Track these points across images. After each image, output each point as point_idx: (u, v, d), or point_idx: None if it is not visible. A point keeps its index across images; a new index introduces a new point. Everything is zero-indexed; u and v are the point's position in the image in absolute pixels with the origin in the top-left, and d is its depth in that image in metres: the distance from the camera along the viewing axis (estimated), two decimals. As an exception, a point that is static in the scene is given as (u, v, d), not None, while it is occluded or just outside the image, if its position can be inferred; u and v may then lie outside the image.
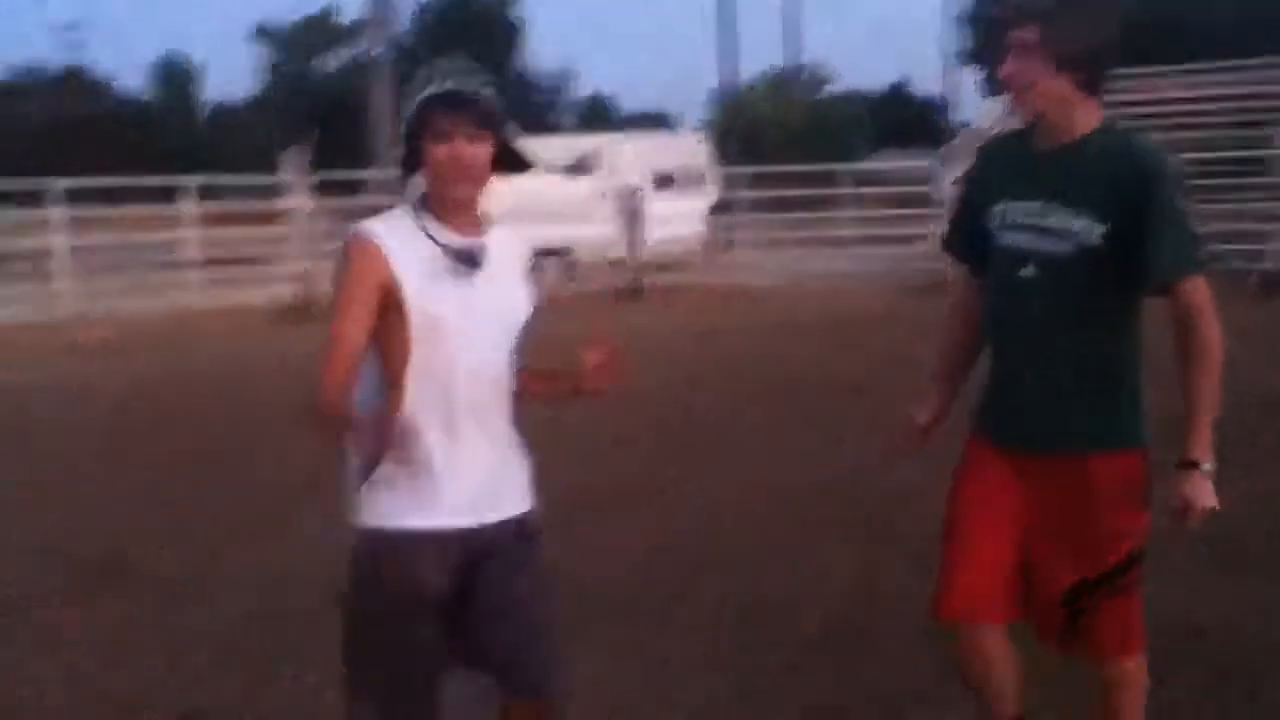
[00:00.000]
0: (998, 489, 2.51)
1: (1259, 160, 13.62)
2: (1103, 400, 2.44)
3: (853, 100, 52.68)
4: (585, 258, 17.02)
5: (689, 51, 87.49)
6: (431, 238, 2.24)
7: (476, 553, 2.24)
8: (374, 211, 2.36)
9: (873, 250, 15.80)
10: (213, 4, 76.60)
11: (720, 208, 17.85)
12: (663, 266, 14.61)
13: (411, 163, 2.26)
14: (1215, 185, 12.71)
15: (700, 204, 17.75)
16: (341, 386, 2.09)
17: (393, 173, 14.22)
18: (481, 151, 2.23)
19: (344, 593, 2.28)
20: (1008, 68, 2.37)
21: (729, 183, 18.53)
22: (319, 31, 50.96)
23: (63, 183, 12.77)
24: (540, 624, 2.26)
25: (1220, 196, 12.83)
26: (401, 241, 2.22)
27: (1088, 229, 2.35)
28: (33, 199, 13.13)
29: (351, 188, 16.44)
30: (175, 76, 50.84)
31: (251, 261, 13.64)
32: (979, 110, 44.12)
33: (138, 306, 12.24)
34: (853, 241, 16.40)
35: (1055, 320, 2.42)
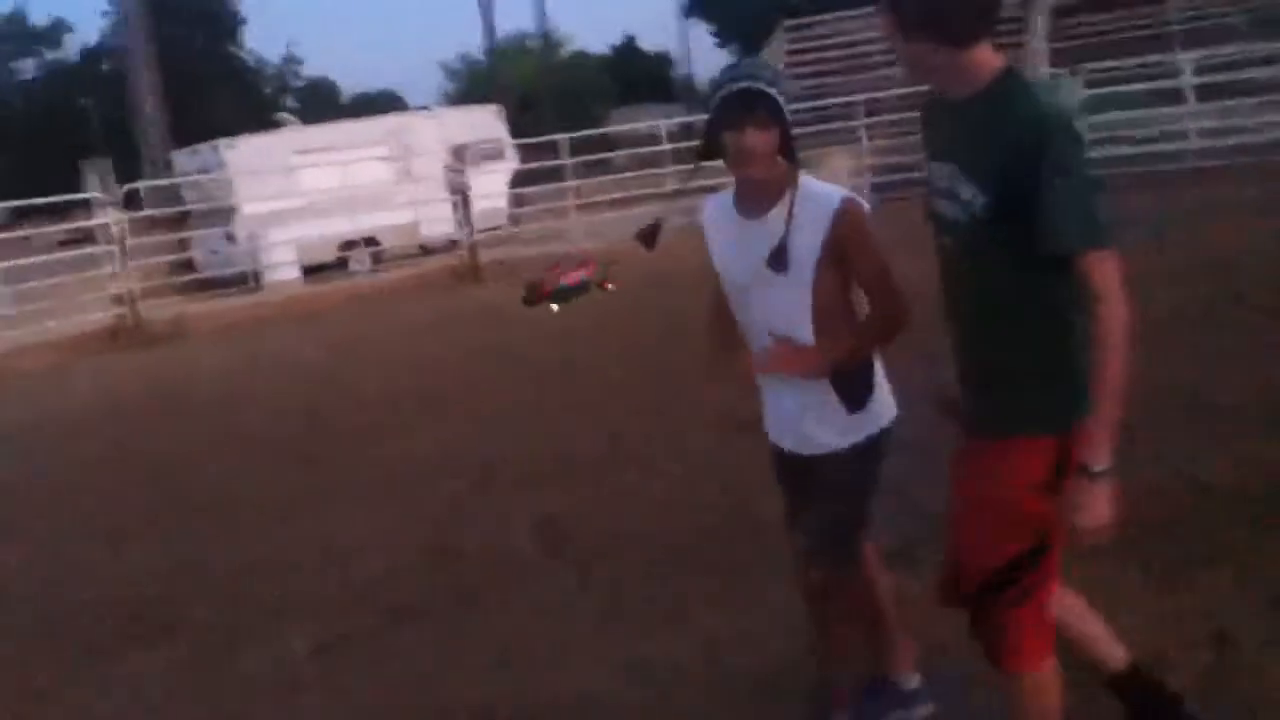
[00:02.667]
0: (958, 464, 2.36)
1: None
2: (1013, 384, 2.22)
3: (588, 61, 53.33)
4: (392, 243, 16.74)
5: (408, 28, 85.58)
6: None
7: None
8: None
9: (666, 205, 16.05)
10: None
11: (521, 179, 17.88)
12: (485, 244, 14.52)
13: (709, 151, 2.57)
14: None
15: (503, 176, 17.74)
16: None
17: (171, 179, 13.53)
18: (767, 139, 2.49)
19: None
20: (900, 56, 2.25)
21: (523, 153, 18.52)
22: (11, 38, 46.57)
23: None
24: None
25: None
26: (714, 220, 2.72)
27: (974, 196, 2.13)
28: None
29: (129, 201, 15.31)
30: None
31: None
32: (709, 64, 46.15)
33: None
34: (651, 199, 16.74)
35: (967, 292, 2.27)
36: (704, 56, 50.61)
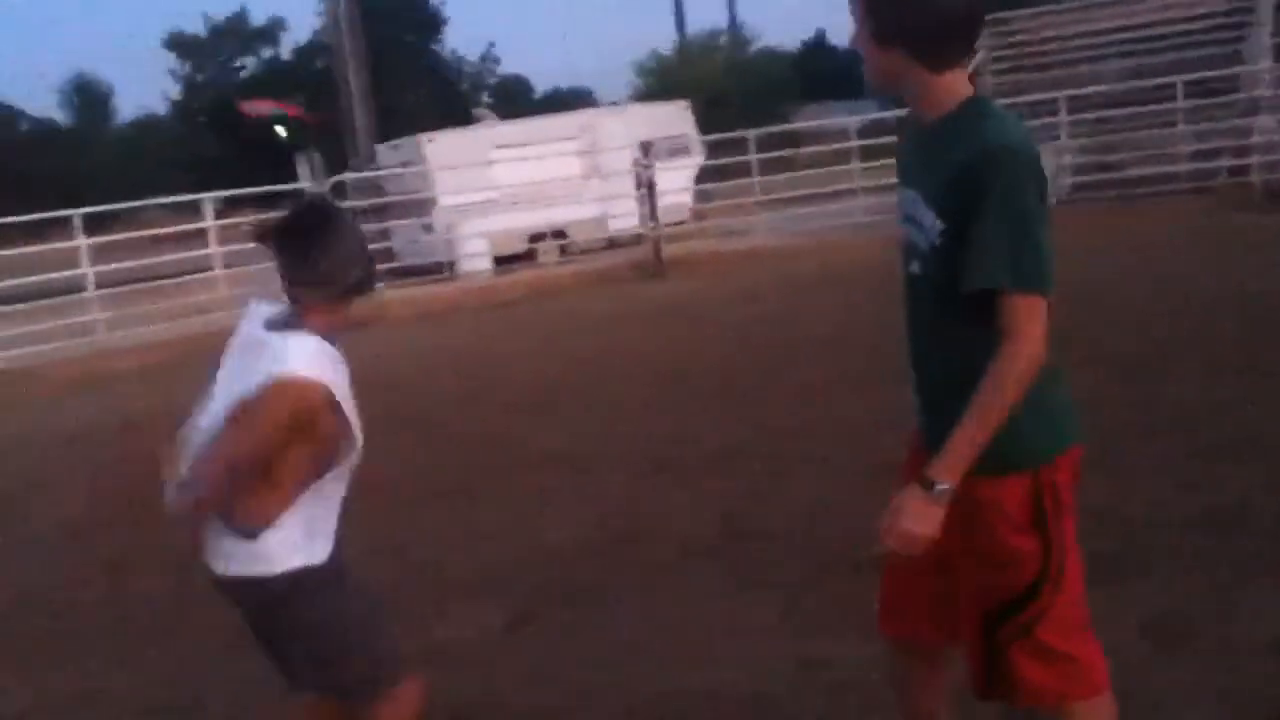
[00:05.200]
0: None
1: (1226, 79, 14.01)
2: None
3: (777, 57, 52.97)
4: (580, 236, 17.09)
5: (601, 26, 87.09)
6: None
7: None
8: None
9: (849, 203, 15.79)
10: (118, 20, 73.90)
11: (707, 175, 17.97)
12: (669, 238, 14.67)
13: None
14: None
15: (689, 172, 17.88)
16: None
17: (374, 171, 14.04)
18: None
19: None
20: (868, 61, 2.16)
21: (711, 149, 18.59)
22: (231, 37, 49.77)
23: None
24: None
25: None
26: None
27: (933, 224, 2.08)
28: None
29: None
30: (87, 96, 49.35)
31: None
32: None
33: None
34: (836, 196, 16.49)
35: (934, 324, 2.17)
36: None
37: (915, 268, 2.18)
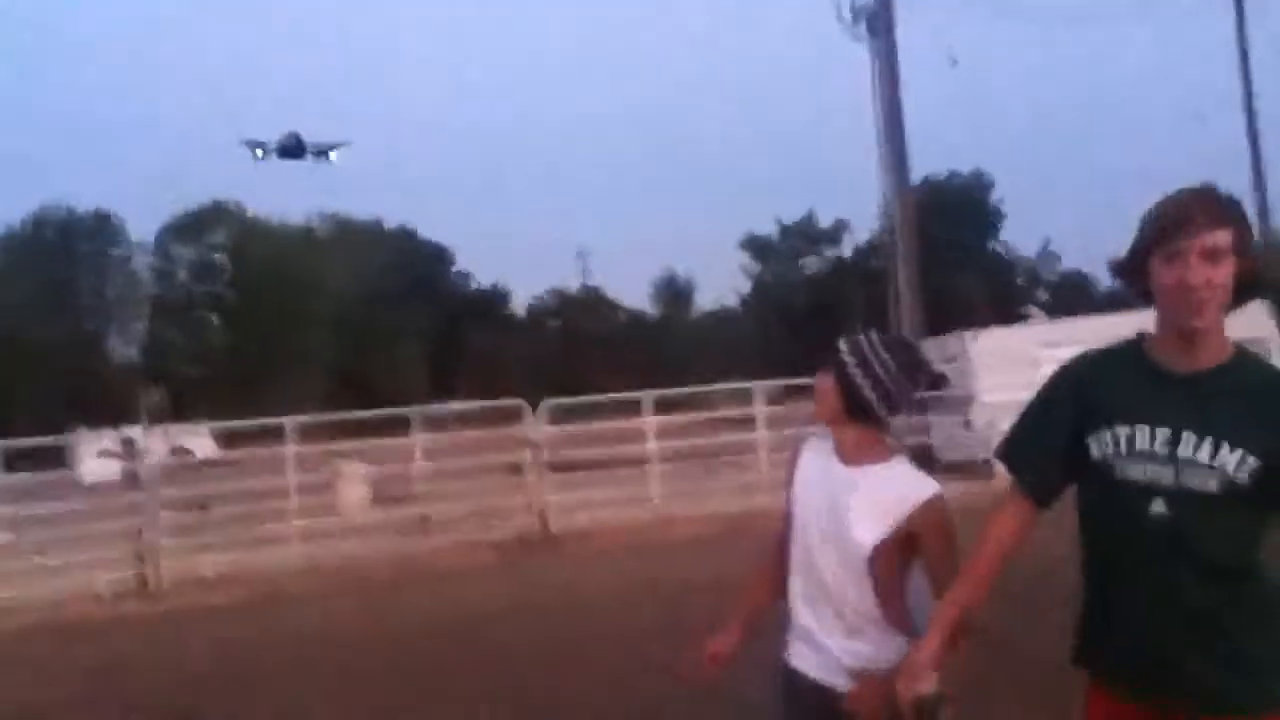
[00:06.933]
0: None
1: None
2: (1251, 654, 2.10)
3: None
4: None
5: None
6: None
7: None
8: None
9: None
10: (702, 222, 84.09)
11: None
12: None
13: None
14: None
15: None
16: None
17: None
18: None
19: None
20: (1201, 272, 2.05)
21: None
22: (800, 236, 53.97)
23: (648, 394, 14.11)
24: None
25: None
26: None
27: (1237, 464, 2.07)
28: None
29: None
30: (672, 291, 55.93)
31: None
32: None
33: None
34: None
35: (1193, 563, 2.11)
36: None
37: (1160, 508, 2.13)
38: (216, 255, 52.89)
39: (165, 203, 61.89)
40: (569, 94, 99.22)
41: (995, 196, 49.68)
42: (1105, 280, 58.96)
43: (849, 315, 43.07)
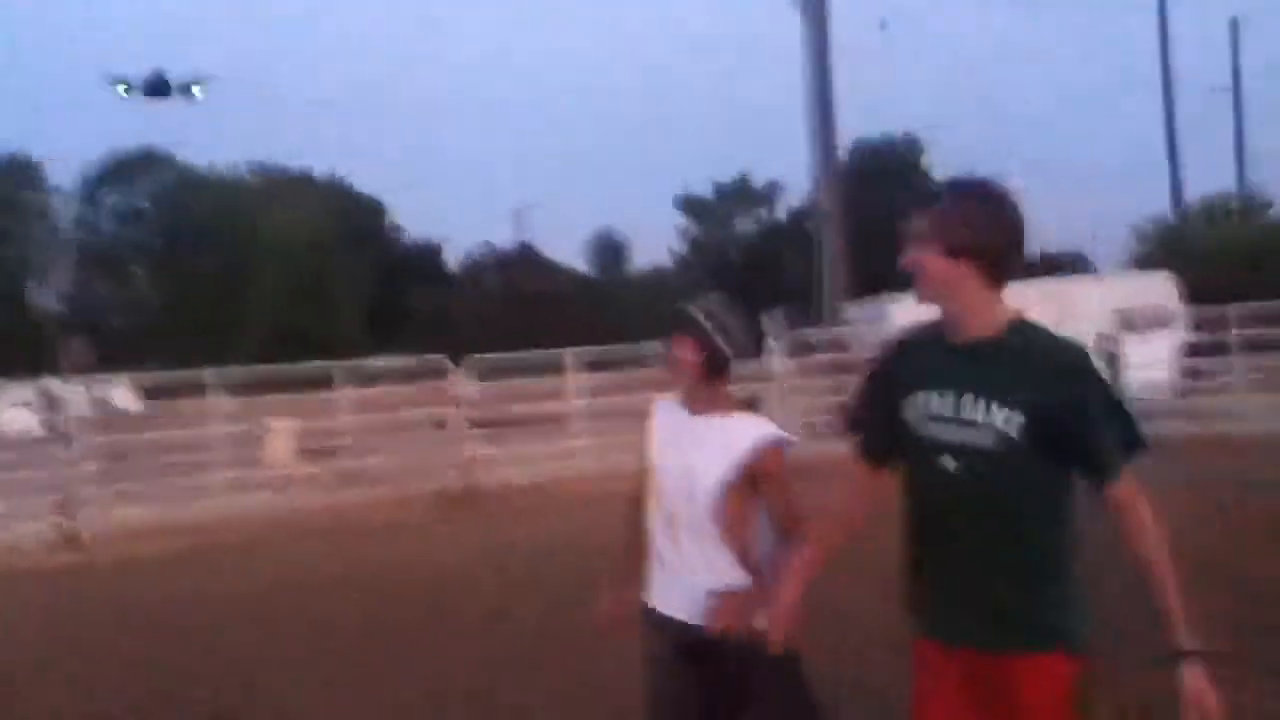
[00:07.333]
0: (951, 691, 2.43)
1: None
2: (1027, 597, 2.35)
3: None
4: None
5: (1101, 189, 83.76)
6: None
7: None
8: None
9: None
10: (637, 181, 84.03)
11: (1195, 350, 16.71)
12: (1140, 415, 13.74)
13: None
14: None
15: (1167, 346, 16.77)
16: None
17: (843, 329, 14.44)
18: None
19: None
20: (905, 256, 2.40)
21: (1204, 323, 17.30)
22: (734, 198, 54.26)
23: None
24: None
25: None
26: None
27: (1004, 420, 2.31)
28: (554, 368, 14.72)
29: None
30: (607, 249, 55.96)
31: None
32: None
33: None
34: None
35: (975, 512, 2.37)
36: None
37: (949, 462, 2.39)
38: (145, 203, 51.52)
39: (89, 149, 60.00)
40: (507, 51, 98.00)
41: (926, 161, 50.35)
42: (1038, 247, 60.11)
43: (781, 276, 43.52)
